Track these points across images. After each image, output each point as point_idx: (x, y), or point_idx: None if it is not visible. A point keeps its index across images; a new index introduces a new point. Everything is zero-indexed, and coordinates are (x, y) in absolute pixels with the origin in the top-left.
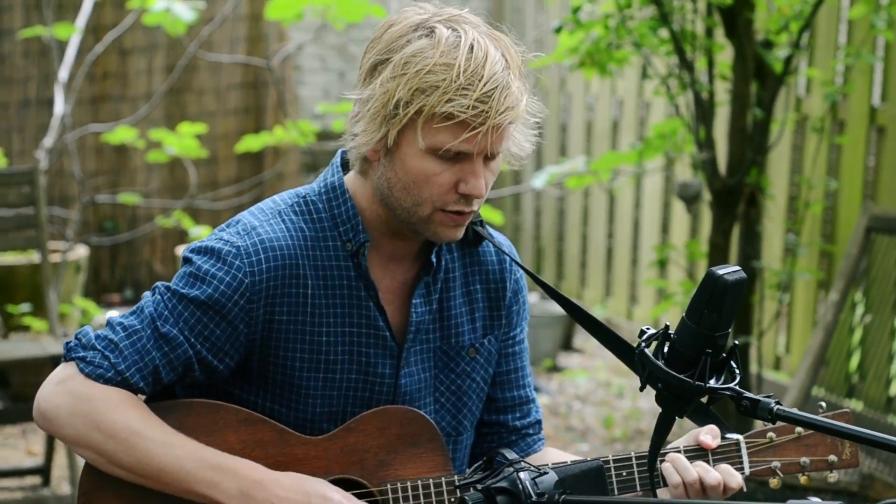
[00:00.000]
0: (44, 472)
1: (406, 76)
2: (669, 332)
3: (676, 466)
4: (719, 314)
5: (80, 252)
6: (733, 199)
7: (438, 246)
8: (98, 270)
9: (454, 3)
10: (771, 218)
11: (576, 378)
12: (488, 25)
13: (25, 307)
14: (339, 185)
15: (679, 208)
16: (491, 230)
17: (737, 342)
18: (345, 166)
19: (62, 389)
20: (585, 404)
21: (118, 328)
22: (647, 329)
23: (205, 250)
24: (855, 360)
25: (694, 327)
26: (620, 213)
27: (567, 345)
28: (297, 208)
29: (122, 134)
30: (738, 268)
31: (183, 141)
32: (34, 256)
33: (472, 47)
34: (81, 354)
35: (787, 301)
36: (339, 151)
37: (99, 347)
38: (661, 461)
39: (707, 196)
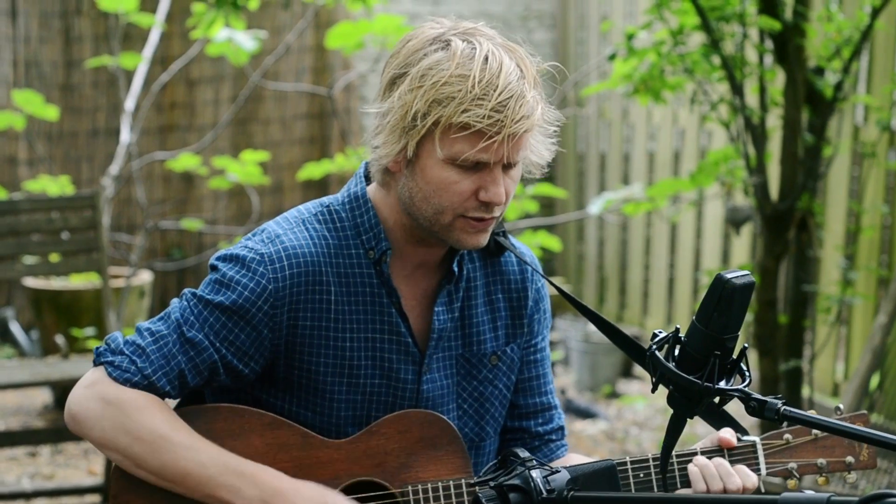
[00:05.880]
0: (103, 491)
1: (423, 88)
2: (680, 335)
3: (704, 474)
4: (728, 317)
5: (145, 277)
6: (784, 223)
7: (460, 255)
8: (165, 296)
9: (523, 32)
10: (821, 244)
11: (634, 404)
12: (504, 38)
13: (90, 331)
14: (362, 195)
15: (740, 238)
16: (513, 240)
17: (746, 346)
18: (368, 177)
19: (91, 393)
20: (643, 430)
21: (146, 333)
22: (659, 332)
23: (230, 258)
24: None
25: (703, 330)
26: (682, 243)
27: (627, 371)
28: (320, 217)
29: (185, 161)
30: (747, 272)
31: (245, 168)
32: (99, 282)
33: (486, 58)
34: (110, 359)
35: (844, 330)
36: (363, 163)
37: (127, 352)
38: (688, 463)
39: (758, 220)
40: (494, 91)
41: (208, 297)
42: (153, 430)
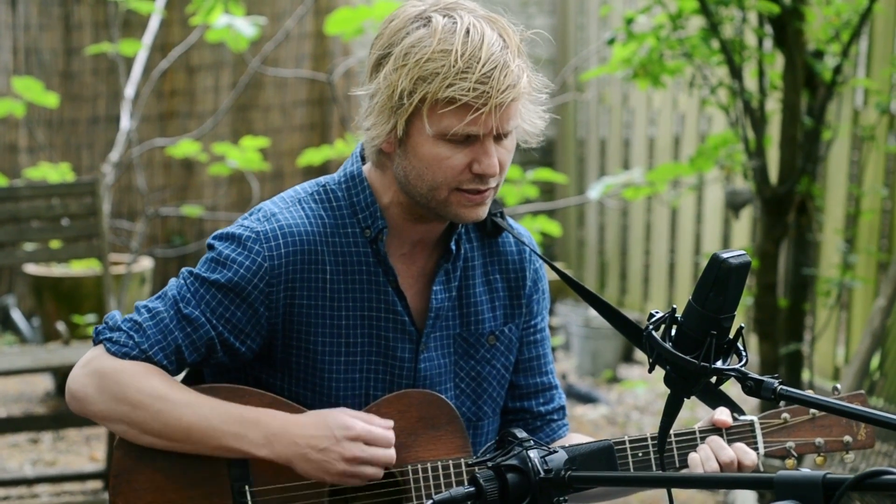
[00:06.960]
0: (105, 476)
1: (407, 66)
2: (676, 315)
3: (702, 458)
4: (724, 297)
5: (145, 264)
6: (783, 207)
7: (458, 234)
8: (165, 283)
9: (523, 18)
10: (821, 227)
11: (635, 388)
12: (485, 9)
13: (91, 318)
14: (358, 174)
15: (740, 222)
16: (511, 222)
17: (742, 325)
18: (364, 157)
19: (88, 369)
20: (644, 414)
21: (143, 310)
22: (656, 312)
23: (227, 236)
24: None
25: (699, 310)
26: (682, 228)
27: (628, 356)
28: (316, 196)
29: (185, 148)
30: (743, 252)
31: (245, 155)
32: (99, 269)
33: (468, 31)
34: (108, 336)
35: (844, 314)
36: (359, 143)
37: (125, 329)
38: (686, 443)
39: (758, 204)
40: (478, 63)
41: (205, 275)
42: (151, 393)
